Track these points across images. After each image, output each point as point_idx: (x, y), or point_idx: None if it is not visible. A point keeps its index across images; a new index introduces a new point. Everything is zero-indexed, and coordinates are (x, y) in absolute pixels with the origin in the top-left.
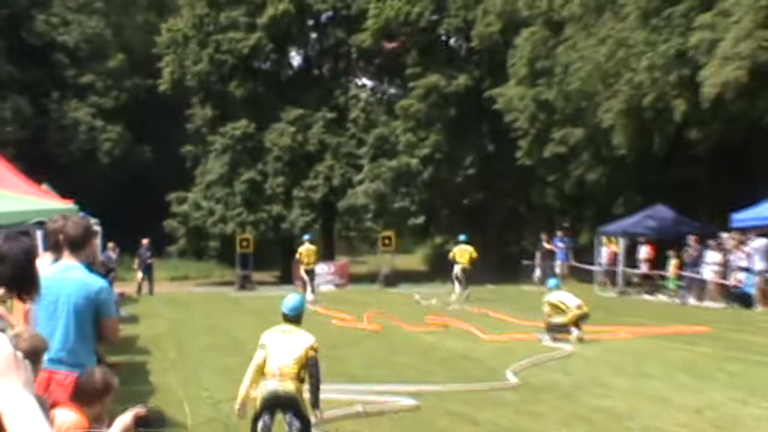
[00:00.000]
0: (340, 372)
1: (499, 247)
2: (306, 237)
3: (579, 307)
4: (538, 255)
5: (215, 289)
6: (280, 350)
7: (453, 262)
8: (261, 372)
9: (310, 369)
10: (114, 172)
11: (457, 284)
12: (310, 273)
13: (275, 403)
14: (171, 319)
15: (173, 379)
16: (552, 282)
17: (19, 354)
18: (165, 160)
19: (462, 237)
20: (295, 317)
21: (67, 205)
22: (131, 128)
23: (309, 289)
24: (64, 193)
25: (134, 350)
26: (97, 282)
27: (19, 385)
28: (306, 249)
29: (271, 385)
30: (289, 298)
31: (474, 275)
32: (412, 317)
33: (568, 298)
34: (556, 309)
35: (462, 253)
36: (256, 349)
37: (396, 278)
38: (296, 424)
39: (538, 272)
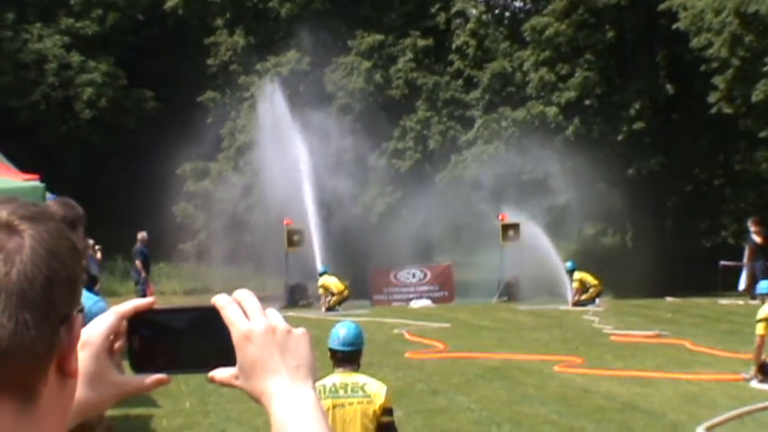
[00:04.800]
0: None
1: (683, 241)
2: (322, 269)
3: None
4: (745, 252)
5: None
6: (335, 424)
7: None
8: None
9: None
10: (98, 132)
11: None
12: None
13: None
14: None
15: None
16: (764, 286)
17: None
18: (175, 114)
19: None
20: (350, 355)
21: (29, 182)
22: (124, 66)
23: None
24: (23, 164)
25: (133, 399)
26: (92, 303)
27: (291, 378)
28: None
29: None
30: (341, 327)
31: (646, 284)
32: (552, 348)
33: None
34: None
35: None
36: None
37: (526, 288)
38: None
39: (744, 277)
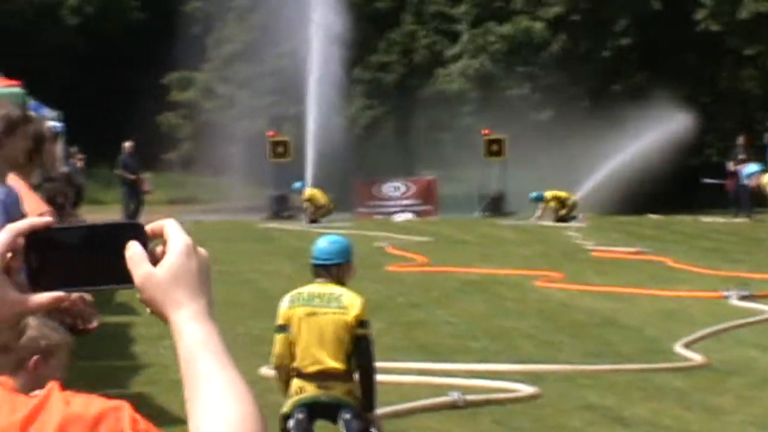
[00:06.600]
0: (421, 345)
1: (666, 158)
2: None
3: None
4: (729, 169)
5: (236, 216)
6: (310, 333)
7: None
8: (287, 366)
9: (357, 355)
10: (84, 40)
11: None
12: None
13: (316, 414)
14: None
15: (167, 351)
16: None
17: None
18: (161, 23)
19: None
20: (330, 267)
21: (11, 88)
22: None
23: None
24: (7, 71)
25: (110, 307)
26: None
27: (200, 309)
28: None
29: (307, 392)
30: (320, 240)
31: (629, 200)
32: (533, 263)
33: None
34: None
35: None
36: None
37: (510, 203)
38: (354, 423)
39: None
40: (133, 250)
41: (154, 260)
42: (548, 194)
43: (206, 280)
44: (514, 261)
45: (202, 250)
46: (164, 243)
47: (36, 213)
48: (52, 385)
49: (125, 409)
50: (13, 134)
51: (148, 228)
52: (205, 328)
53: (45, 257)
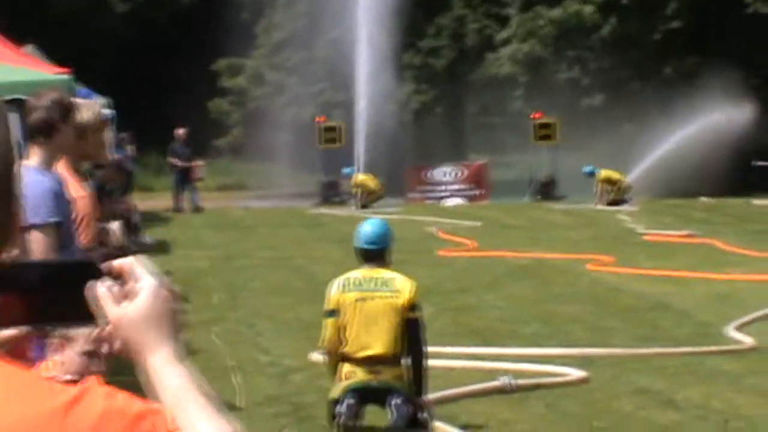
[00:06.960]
0: (471, 330)
1: (717, 141)
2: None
3: None
4: None
5: (286, 203)
6: (360, 317)
7: None
8: (336, 351)
9: (408, 339)
10: (133, 28)
11: None
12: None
13: (366, 399)
14: (217, 248)
15: (218, 338)
16: None
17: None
18: (210, 10)
19: None
20: (374, 253)
21: (61, 75)
22: None
23: None
24: (57, 58)
25: None
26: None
27: (173, 352)
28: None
29: (356, 377)
30: (365, 225)
31: (680, 184)
32: (584, 247)
33: None
34: None
35: None
36: None
37: (561, 187)
38: (404, 408)
39: None
40: (98, 291)
41: (117, 300)
42: (601, 173)
43: (176, 320)
44: (564, 245)
45: (171, 289)
46: (125, 283)
47: (76, 198)
48: (93, 379)
49: (164, 414)
50: (67, 120)
51: (113, 265)
52: (183, 374)
53: (6, 293)
